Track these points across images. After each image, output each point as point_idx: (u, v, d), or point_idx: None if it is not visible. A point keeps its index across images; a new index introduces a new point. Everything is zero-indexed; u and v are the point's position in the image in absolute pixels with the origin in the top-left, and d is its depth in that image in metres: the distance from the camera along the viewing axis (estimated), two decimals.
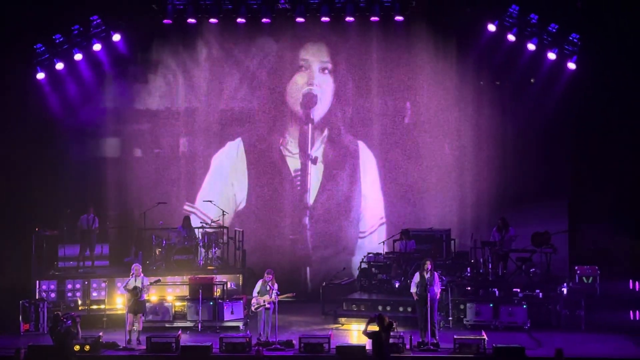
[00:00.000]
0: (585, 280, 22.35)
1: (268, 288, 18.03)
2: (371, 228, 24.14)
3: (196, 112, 24.55)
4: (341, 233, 24.22)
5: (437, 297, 17.82)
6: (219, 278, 21.07)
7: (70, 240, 21.65)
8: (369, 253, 21.95)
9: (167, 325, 19.65)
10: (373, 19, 22.76)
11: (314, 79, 24.23)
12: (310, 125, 24.29)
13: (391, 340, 16.32)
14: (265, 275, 18.23)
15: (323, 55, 24.23)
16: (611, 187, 23.12)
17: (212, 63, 24.46)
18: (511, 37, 22.38)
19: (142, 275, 18.32)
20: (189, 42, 24.26)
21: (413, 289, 17.86)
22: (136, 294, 18.10)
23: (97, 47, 22.79)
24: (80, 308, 20.52)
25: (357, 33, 23.78)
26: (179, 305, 20.38)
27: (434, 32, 23.70)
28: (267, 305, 17.97)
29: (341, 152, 24.37)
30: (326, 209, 24.24)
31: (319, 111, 24.27)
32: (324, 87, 24.29)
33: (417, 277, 17.86)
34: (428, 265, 17.80)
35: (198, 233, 21.98)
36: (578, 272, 22.49)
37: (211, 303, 19.83)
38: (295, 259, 24.12)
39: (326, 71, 24.24)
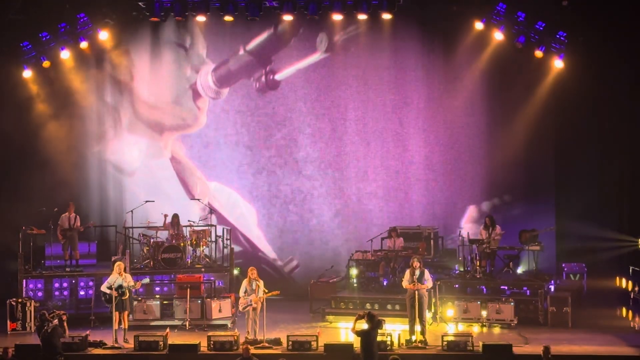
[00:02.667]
0: (572, 277, 22.51)
1: (254, 286, 18.02)
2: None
3: (184, 110, 24.45)
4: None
5: (426, 294, 17.89)
6: (207, 276, 21.06)
7: (54, 240, 21.48)
8: (356, 251, 21.98)
9: (154, 323, 19.63)
10: (360, 16, 22.70)
11: (302, 76, 24.18)
12: (297, 124, 24.33)
13: (379, 338, 16.36)
14: (249, 273, 18.23)
15: (312, 50, 24.11)
16: (596, 184, 23.21)
17: (200, 60, 24.35)
18: (498, 35, 22.43)
19: (124, 274, 18.29)
20: (177, 39, 24.23)
21: (405, 284, 17.93)
22: (122, 292, 18.06)
23: (83, 44, 22.75)
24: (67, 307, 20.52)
25: (345, 30, 23.79)
26: (166, 303, 20.36)
27: (422, 30, 23.74)
28: (254, 305, 17.96)
29: (336, 151, 24.37)
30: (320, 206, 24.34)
31: (308, 109, 24.26)
32: (314, 84, 24.20)
33: (407, 275, 17.90)
34: (416, 263, 17.85)
35: (186, 231, 21.92)
36: (565, 269, 22.66)
37: (199, 301, 19.82)
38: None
39: (316, 67, 24.20)
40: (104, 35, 22.89)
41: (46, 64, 22.48)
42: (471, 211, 23.78)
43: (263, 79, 23.48)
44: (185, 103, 23.90)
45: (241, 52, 23.49)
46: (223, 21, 22.79)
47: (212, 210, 22.53)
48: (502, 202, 23.52)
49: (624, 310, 20.30)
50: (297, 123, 24.04)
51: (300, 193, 24.30)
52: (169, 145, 24.04)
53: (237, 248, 23.35)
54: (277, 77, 23.55)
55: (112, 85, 24.03)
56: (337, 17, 22.61)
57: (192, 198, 23.84)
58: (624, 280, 21.57)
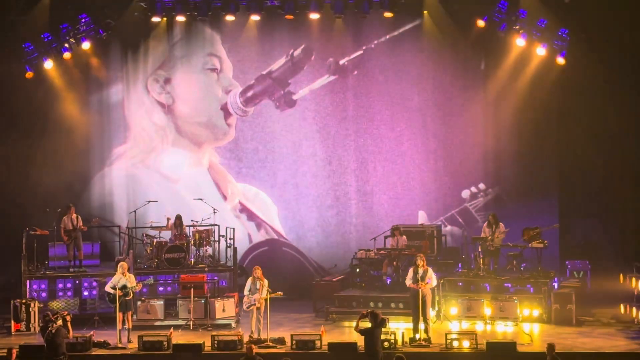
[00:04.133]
0: (576, 275, 22.46)
1: (258, 285, 18.02)
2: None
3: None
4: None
5: (430, 293, 17.88)
6: (210, 276, 21.07)
7: (57, 240, 21.51)
8: (360, 249, 21.97)
9: (158, 323, 19.64)
10: (363, 15, 22.71)
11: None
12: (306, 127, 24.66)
13: (383, 337, 16.36)
14: (254, 272, 18.24)
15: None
16: (600, 182, 23.19)
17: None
18: (500, 33, 22.41)
19: (128, 274, 18.32)
20: (178, 39, 24.31)
21: (408, 282, 17.93)
22: (126, 292, 18.08)
23: (85, 45, 22.78)
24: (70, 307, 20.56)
25: (345, 29, 23.84)
26: (170, 303, 20.36)
27: (423, 29, 23.72)
28: (258, 304, 17.96)
29: (336, 152, 24.63)
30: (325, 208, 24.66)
31: (316, 111, 24.63)
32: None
33: (410, 273, 17.90)
34: (420, 261, 17.84)
35: (189, 231, 21.94)
36: (569, 266, 22.62)
37: (202, 301, 19.82)
38: (289, 256, 24.37)
39: (321, 68, 24.29)
40: (105, 37, 22.96)
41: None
42: (475, 209, 23.78)
43: (282, 99, 24.78)
44: (217, 121, 24.92)
45: (263, 76, 24.77)
46: (247, 49, 24.40)
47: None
48: (505, 200, 23.49)
49: (628, 307, 20.25)
50: (309, 134, 24.81)
51: (310, 195, 24.76)
52: (206, 156, 25.07)
53: (265, 236, 24.88)
54: (294, 97, 24.74)
55: (159, 107, 24.80)
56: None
57: (196, 199, 23.86)
58: (627, 277, 21.52)
